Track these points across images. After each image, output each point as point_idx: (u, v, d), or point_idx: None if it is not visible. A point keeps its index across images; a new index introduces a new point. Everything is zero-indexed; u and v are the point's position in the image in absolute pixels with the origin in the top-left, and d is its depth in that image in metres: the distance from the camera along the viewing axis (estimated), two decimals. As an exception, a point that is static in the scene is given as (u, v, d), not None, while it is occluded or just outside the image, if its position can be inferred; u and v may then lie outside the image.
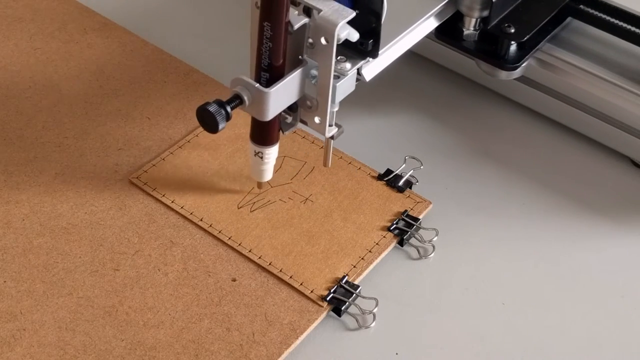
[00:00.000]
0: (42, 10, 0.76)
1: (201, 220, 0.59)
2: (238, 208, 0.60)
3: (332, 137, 0.56)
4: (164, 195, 0.61)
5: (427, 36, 0.61)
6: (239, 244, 0.58)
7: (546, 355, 0.54)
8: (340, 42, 0.50)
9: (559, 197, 0.64)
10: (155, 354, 0.52)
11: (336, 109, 0.54)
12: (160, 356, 0.52)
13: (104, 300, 0.54)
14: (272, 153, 0.57)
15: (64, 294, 0.55)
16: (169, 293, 0.55)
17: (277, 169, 0.63)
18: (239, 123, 0.66)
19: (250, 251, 0.58)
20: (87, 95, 0.69)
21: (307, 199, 0.61)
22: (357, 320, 0.55)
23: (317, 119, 0.54)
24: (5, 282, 0.55)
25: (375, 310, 0.55)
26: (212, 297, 0.55)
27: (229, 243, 0.58)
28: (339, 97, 0.54)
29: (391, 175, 0.63)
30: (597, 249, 0.61)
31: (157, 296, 0.55)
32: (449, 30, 0.63)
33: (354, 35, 0.50)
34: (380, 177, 0.63)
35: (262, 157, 0.57)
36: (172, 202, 0.60)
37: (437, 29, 0.61)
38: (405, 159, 0.64)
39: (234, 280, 0.56)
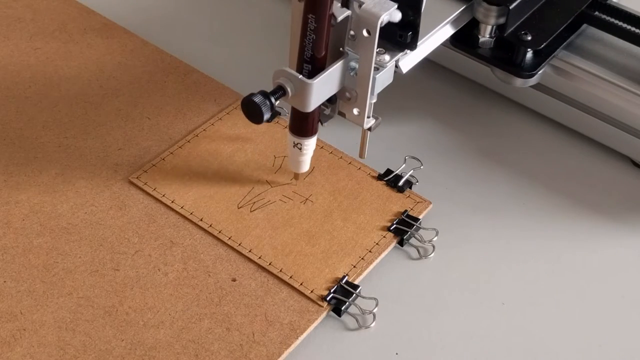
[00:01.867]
0: (42, 10, 0.76)
1: (201, 220, 0.59)
2: (238, 208, 0.60)
3: (369, 129, 0.57)
4: (164, 195, 0.61)
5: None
6: (239, 244, 0.58)
7: (546, 355, 0.54)
8: (384, 24, 0.50)
9: (559, 197, 0.64)
10: (155, 354, 0.52)
11: (374, 100, 0.55)
12: (160, 356, 0.52)
13: (104, 300, 0.54)
14: (311, 144, 0.57)
15: (64, 294, 0.55)
16: (169, 293, 0.55)
17: (277, 169, 0.63)
18: (239, 123, 0.67)
19: (250, 251, 0.58)
20: (87, 95, 0.69)
21: (307, 199, 0.61)
22: (357, 320, 0.55)
23: (355, 111, 0.55)
24: (5, 282, 0.55)
25: (375, 310, 0.55)
26: (212, 297, 0.55)
27: (229, 243, 0.58)
28: (378, 88, 0.54)
29: (391, 175, 0.63)
30: (597, 249, 0.61)
31: (157, 296, 0.55)
32: (464, 38, 0.63)
33: (397, 16, 0.51)
34: (380, 177, 0.63)
35: (300, 149, 0.57)
36: (172, 202, 0.60)
37: (452, 36, 0.61)
38: (405, 159, 0.64)
39: (234, 280, 0.56)
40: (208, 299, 0.55)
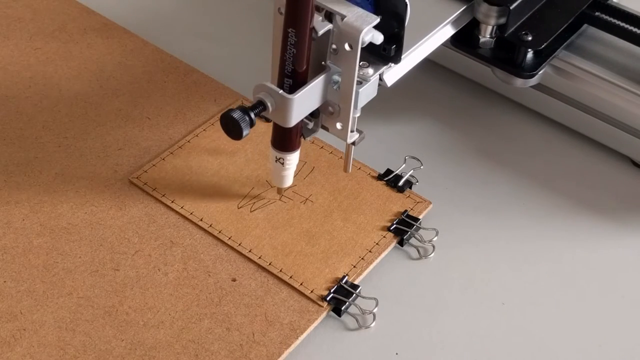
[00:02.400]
0: (42, 10, 0.76)
1: (201, 220, 0.59)
2: (238, 208, 0.60)
3: (353, 143, 0.56)
4: (164, 195, 0.61)
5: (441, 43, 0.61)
6: (239, 244, 0.58)
7: (546, 355, 0.54)
8: (365, 45, 0.49)
9: (559, 197, 0.64)
10: (155, 354, 0.52)
11: (358, 114, 0.54)
12: (160, 356, 0.52)
13: (104, 300, 0.54)
14: (293, 159, 0.57)
15: (64, 294, 0.55)
16: (169, 293, 0.55)
17: (277, 169, 0.63)
18: (239, 123, 0.66)
19: (250, 251, 0.58)
20: (87, 95, 0.69)
21: (307, 199, 0.61)
22: (357, 320, 0.55)
23: (339, 125, 0.54)
24: (5, 282, 0.55)
25: (375, 310, 0.55)
26: (212, 297, 0.55)
27: (229, 243, 0.58)
28: (362, 102, 0.53)
29: (391, 175, 0.63)
30: (597, 249, 0.61)
31: (157, 296, 0.55)
32: (464, 38, 0.63)
33: (379, 38, 0.50)
34: (380, 177, 0.63)
35: (283, 163, 0.56)
36: (172, 202, 0.60)
37: (453, 36, 0.61)
38: (405, 159, 0.64)
39: (234, 280, 0.56)
40: (208, 299, 0.55)
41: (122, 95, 0.69)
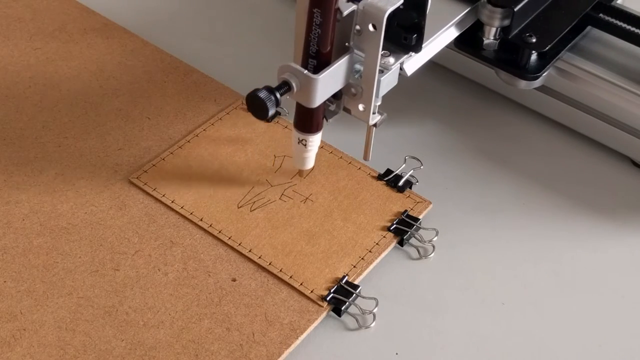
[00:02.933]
0: (42, 10, 0.76)
1: (201, 220, 0.59)
2: (238, 208, 0.60)
3: (375, 125, 0.56)
4: (164, 195, 0.61)
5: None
6: (239, 244, 0.58)
7: (546, 355, 0.54)
8: (390, 11, 0.50)
9: (559, 197, 0.64)
10: (155, 354, 0.52)
11: (379, 102, 0.55)
12: (160, 356, 0.52)
13: (104, 300, 0.54)
14: (315, 141, 0.57)
15: (64, 294, 0.55)
16: (169, 293, 0.55)
17: (277, 168, 0.63)
18: (239, 123, 0.67)
19: (250, 251, 0.58)
20: (87, 95, 0.69)
21: (307, 198, 0.61)
22: (357, 320, 0.55)
23: (361, 107, 0.55)
24: (5, 282, 0.55)
25: (375, 310, 0.55)
26: (212, 297, 0.55)
27: (229, 243, 0.58)
28: (383, 91, 0.54)
29: (391, 175, 0.63)
30: (597, 249, 0.61)
31: (157, 296, 0.55)
32: (468, 40, 0.63)
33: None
34: (380, 177, 0.63)
35: (305, 145, 0.57)
36: (172, 202, 0.60)
37: (457, 38, 0.61)
38: (405, 159, 0.64)
39: (234, 280, 0.56)
40: (208, 299, 0.55)
41: (122, 95, 0.69)
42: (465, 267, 0.59)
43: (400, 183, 0.63)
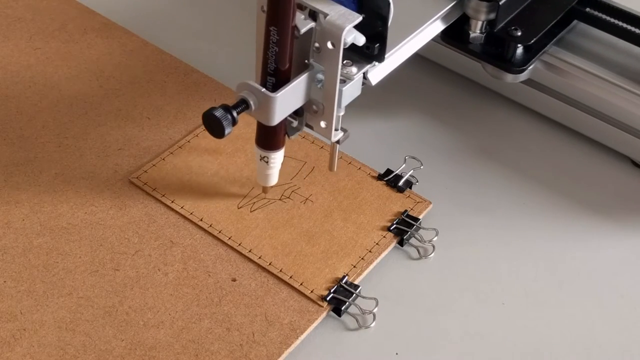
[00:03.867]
0: (42, 10, 0.76)
1: (201, 220, 0.59)
2: (238, 208, 0.60)
3: (337, 142, 0.56)
4: (164, 195, 0.61)
5: (432, 38, 0.61)
6: (239, 244, 0.58)
7: (546, 355, 0.54)
8: (347, 46, 0.49)
9: (559, 197, 0.64)
10: (155, 354, 0.52)
11: (342, 113, 0.54)
12: (160, 356, 0.52)
13: (104, 300, 0.54)
14: (277, 157, 0.57)
15: (64, 294, 0.55)
16: (169, 293, 0.55)
17: (277, 169, 0.63)
18: (239, 123, 0.66)
19: (250, 251, 0.58)
20: (87, 95, 0.69)
21: (307, 199, 0.61)
22: (357, 320, 0.55)
23: (323, 124, 0.54)
24: (5, 282, 0.55)
25: (375, 310, 0.55)
26: (212, 297, 0.55)
27: (229, 243, 0.58)
28: (345, 101, 0.53)
29: (391, 175, 0.63)
30: (597, 249, 0.61)
31: (157, 296, 0.55)
32: (455, 33, 0.63)
33: (360, 40, 0.50)
34: (380, 177, 0.63)
35: (267, 162, 0.57)
36: (172, 202, 0.60)
37: (443, 31, 0.61)
38: (405, 159, 0.64)
39: (234, 280, 0.56)
40: (208, 299, 0.55)
41: (122, 95, 0.69)
42: (465, 267, 0.59)
43: (400, 183, 0.63)
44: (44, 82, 0.69)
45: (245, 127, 0.66)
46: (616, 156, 0.67)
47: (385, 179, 0.63)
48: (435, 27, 0.60)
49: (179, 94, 0.69)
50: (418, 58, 0.72)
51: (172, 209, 0.60)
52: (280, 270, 0.57)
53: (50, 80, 0.70)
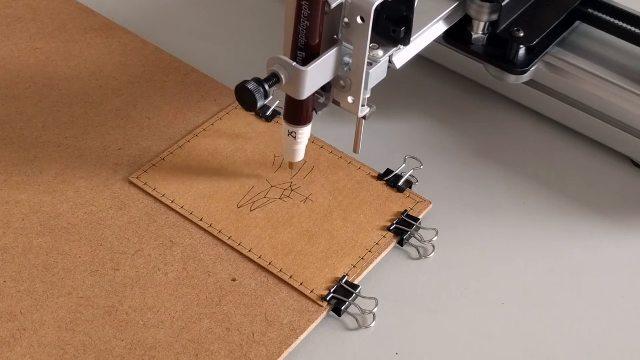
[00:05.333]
0: (42, 10, 0.76)
1: (201, 220, 0.59)
2: (238, 208, 0.60)
3: (364, 117, 0.56)
4: (164, 195, 0.61)
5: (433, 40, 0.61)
6: (239, 244, 0.58)
7: (546, 355, 0.54)
8: (377, 4, 0.50)
9: (559, 197, 0.64)
10: (155, 354, 0.52)
11: (368, 95, 0.55)
12: (160, 356, 0.52)
13: (104, 300, 0.54)
14: (305, 133, 0.57)
15: (64, 294, 0.55)
16: (169, 293, 0.55)
17: (277, 168, 0.63)
18: (239, 123, 0.67)
19: (250, 251, 0.58)
20: (87, 95, 0.69)
21: (307, 198, 0.61)
22: (357, 320, 0.55)
23: (350, 99, 0.55)
24: (5, 282, 0.55)
25: (375, 310, 0.55)
26: (212, 297, 0.55)
27: (229, 243, 0.58)
28: (372, 83, 0.55)
29: (391, 175, 0.63)
30: (597, 249, 0.61)
31: (157, 296, 0.55)
32: (457, 34, 0.63)
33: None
34: (380, 177, 0.63)
35: (295, 137, 0.57)
36: (172, 202, 0.60)
37: (446, 32, 0.61)
38: (405, 159, 0.64)
39: (234, 280, 0.56)
40: (208, 299, 0.55)
41: (122, 95, 0.69)
42: (465, 267, 0.59)
43: (400, 183, 0.63)
44: (44, 82, 0.69)
45: (245, 127, 0.66)
46: (616, 156, 0.67)
47: (385, 179, 0.63)
48: (437, 28, 0.60)
49: (179, 94, 0.69)
50: (418, 58, 0.72)
51: (172, 209, 0.60)
52: (280, 270, 0.57)
53: (50, 80, 0.70)
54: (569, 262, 0.60)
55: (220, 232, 0.59)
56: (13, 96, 0.68)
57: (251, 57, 0.74)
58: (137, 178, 0.62)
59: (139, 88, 0.69)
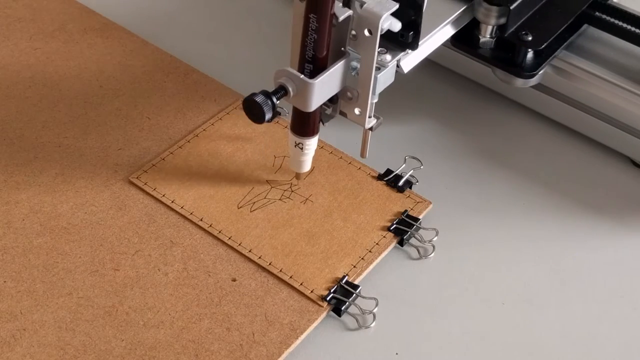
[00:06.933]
0: (42, 10, 0.76)
1: (201, 220, 0.59)
2: (238, 208, 0.60)
3: (370, 129, 0.57)
4: (164, 195, 0.61)
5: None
6: (239, 244, 0.58)
7: (546, 355, 0.54)
8: (384, 32, 0.51)
9: (559, 197, 0.64)
10: (155, 354, 0.52)
11: (376, 100, 0.55)
12: (160, 356, 0.52)
13: (104, 300, 0.54)
14: (312, 144, 0.58)
15: (64, 294, 0.55)
16: (169, 293, 0.55)
17: (277, 169, 0.63)
18: (239, 123, 0.67)
19: (250, 251, 0.58)
20: (87, 95, 0.69)
21: (307, 199, 0.61)
22: (357, 320, 0.55)
23: (357, 110, 0.55)
24: (5, 282, 0.55)
25: (375, 310, 0.55)
26: (212, 297, 0.55)
27: (229, 243, 0.58)
28: (380, 88, 0.55)
29: (391, 175, 0.63)
30: (597, 249, 0.61)
31: (157, 296, 0.55)
32: (465, 38, 0.63)
33: (397, 25, 0.51)
34: (380, 177, 0.63)
35: (302, 148, 0.57)
36: (172, 202, 0.60)
37: (453, 36, 0.61)
38: (405, 159, 0.64)
39: (234, 280, 0.56)
40: (208, 299, 0.55)
41: (122, 95, 0.69)
42: (465, 267, 0.59)
43: (400, 183, 0.63)
44: (44, 82, 0.69)
45: (245, 127, 0.66)
46: (616, 156, 0.67)
47: (385, 179, 0.63)
48: (445, 31, 0.60)
49: (179, 94, 0.69)
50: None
51: (172, 209, 0.60)
52: (280, 270, 0.57)
53: (50, 80, 0.70)
54: (568, 262, 0.60)
55: (220, 232, 0.59)
56: (13, 96, 0.68)
57: (251, 57, 0.74)
58: (137, 178, 0.62)
59: (139, 88, 0.69)
